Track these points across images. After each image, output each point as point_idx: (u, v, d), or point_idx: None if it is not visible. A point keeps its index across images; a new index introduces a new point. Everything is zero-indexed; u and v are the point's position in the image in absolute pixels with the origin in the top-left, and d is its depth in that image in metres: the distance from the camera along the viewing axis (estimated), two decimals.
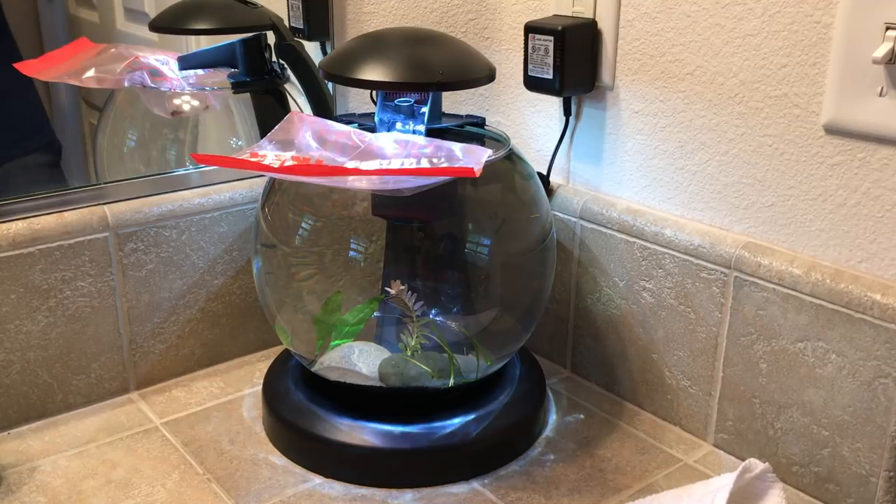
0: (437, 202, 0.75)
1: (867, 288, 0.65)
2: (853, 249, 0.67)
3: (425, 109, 0.75)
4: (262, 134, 0.74)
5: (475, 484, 0.73)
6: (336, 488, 0.72)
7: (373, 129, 0.75)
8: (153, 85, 0.91)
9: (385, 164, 0.67)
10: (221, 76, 0.92)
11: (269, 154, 0.70)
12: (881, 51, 0.61)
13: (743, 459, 0.73)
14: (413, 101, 0.75)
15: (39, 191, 0.80)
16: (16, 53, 0.87)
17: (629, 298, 0.82)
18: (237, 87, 0.90)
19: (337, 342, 0.79)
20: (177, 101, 0.94)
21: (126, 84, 0.89)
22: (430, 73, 0.70)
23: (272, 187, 0.79)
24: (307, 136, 0.72)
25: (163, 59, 0.91)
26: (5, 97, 0.87)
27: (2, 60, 0.86)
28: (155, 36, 0.91)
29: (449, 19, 0.93)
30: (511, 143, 0.77)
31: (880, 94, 0.63)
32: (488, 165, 0.69)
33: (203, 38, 0.94)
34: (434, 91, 0.75)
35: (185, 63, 0.91)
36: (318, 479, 0.73)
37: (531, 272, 0.80)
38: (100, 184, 0.86)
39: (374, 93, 0.78)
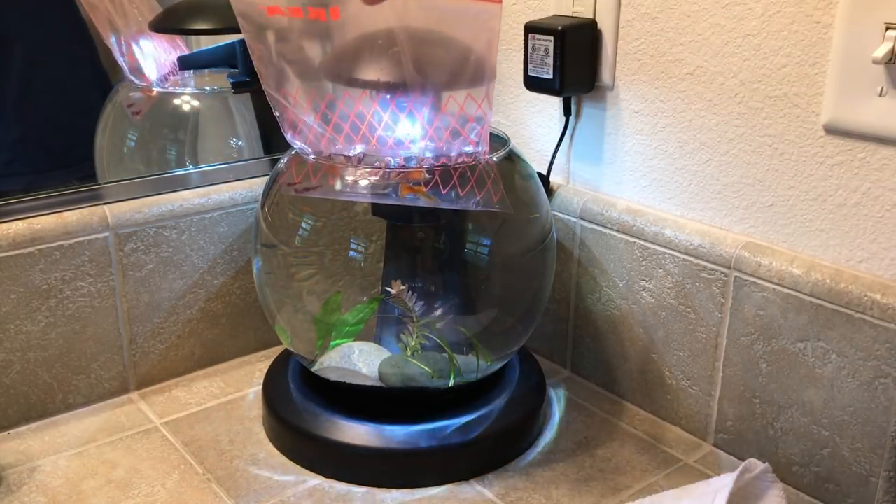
0: None
1: (867, 288, 0.65)
2: (853, 249, 0.67)
3: None
4: (262, 134, 0.74)
5: (475, 484, 0.73)
6: (336, 488, 0.72)
7: None
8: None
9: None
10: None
11: None
12: (881, 51, 0.61)
13: (743, 459, 0.73)
14: None
15: (39, 191, 0.80)
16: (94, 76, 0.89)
17: (629, 298, 0.82)
18: (237, 87, 0.90)
19: (337, 342, 0.79)
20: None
21: None
22: None
23: (272, 187, 0.79)
24: None
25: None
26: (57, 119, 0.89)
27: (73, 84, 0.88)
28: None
29: None
30: (511, 143, 0.77)
31: (880, 95, 0.62)
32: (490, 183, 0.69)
33: (203, 37, 0.95)
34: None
35: (185, 63, 0.91)
36: (318, 479, 0.73)
37: (531, 272, 0.80)
38: (100, 184, 0.86)
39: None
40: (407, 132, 0.69)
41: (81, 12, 0.91)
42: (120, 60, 0.91)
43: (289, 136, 0.72)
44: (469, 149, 0.71)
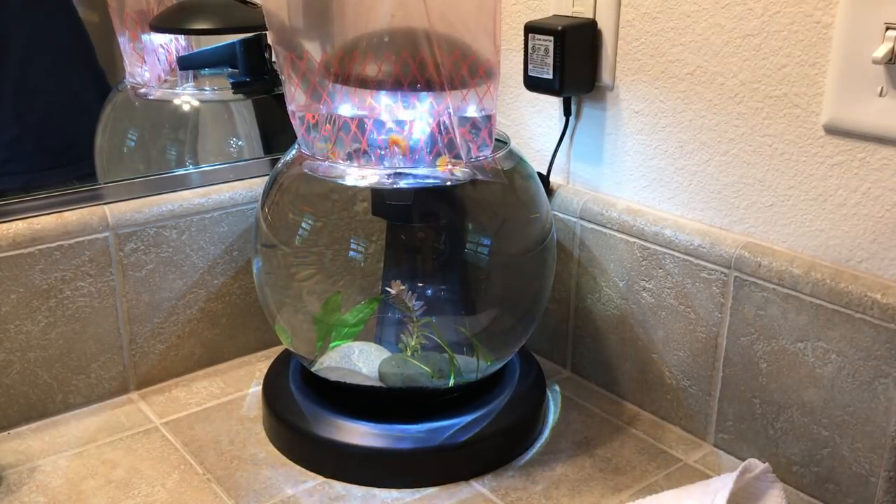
0: (437, 202, 0.75)
1: (867, 288, 0.65)
2: (853, 249, 0.67)
3: None
4: (262, 134, 0.74)
5: (475, 484, 0.73)
6: (336, 488, 0.72)
7: None
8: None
9: None
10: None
11: None
12: (881, 51, 0.61)
13: (743, 459, 0.73)
14: None
15: (39, 191, 0.80)
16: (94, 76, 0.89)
17: (629, 298, 0.82)
18: (237, 87, 0.90)
19: (337, 342, 0.79)
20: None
21: None
22: None
23: (272, 187, 0.79)
24: None
25: None
26: (55, 118, 0.88)
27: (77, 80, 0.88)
28: None
29: None
30: (511, 143, 0.77)
31: (880, 94, 0.63)
32: (488, 165, 0.69)
33: (203, 37, 0.95)
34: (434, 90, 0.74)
35: (186, 63, 0.91)
36: (318, 479, 0.73)
37: (531, 272, 0.80)
38: (100, 184, 0.86)
39: None
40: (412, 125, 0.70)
41: (78, 12, 0.91)
42: (122, 43, 0.90)
43: (291, 108, 0.71)
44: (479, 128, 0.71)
